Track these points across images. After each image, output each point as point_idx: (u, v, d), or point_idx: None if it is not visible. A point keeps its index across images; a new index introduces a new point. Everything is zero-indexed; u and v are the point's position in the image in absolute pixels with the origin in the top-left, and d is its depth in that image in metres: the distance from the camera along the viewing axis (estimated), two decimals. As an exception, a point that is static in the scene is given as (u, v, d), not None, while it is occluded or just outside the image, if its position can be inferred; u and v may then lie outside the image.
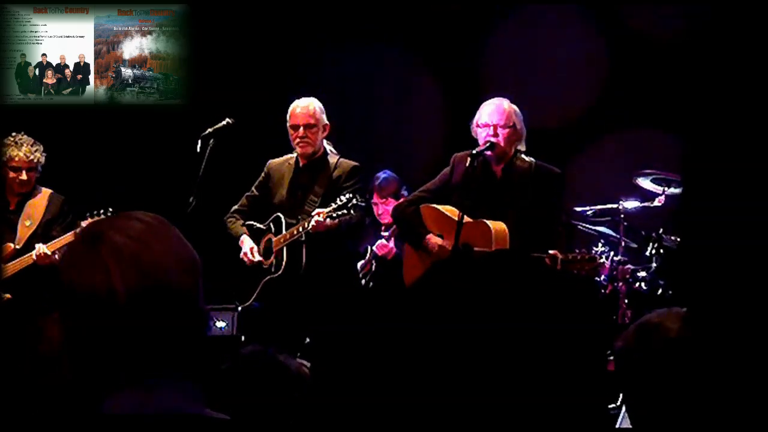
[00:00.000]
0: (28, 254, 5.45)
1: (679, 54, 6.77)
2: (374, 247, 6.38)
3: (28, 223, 5.57)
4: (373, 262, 6.44)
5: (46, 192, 5.68)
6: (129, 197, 5.47)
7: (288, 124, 5.57)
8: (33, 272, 5.44)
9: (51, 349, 1.95)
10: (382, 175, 6.48)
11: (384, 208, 6.47)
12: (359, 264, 6.44)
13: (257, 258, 5.53)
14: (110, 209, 5.38)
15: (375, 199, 6.44)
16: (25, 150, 5.52)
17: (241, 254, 5.57)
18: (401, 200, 5.92)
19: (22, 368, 1.94)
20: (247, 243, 5.58)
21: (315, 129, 5.52)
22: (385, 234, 6.45)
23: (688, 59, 6.72)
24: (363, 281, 6.41)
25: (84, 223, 5.39)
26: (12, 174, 5.52)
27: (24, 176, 5.54)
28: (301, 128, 5.50)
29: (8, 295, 5.43)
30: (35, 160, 5.57)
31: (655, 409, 2.04)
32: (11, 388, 1.95)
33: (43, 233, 5.58)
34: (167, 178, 6.53)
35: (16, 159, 5.51)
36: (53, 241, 5.44)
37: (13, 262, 5.46)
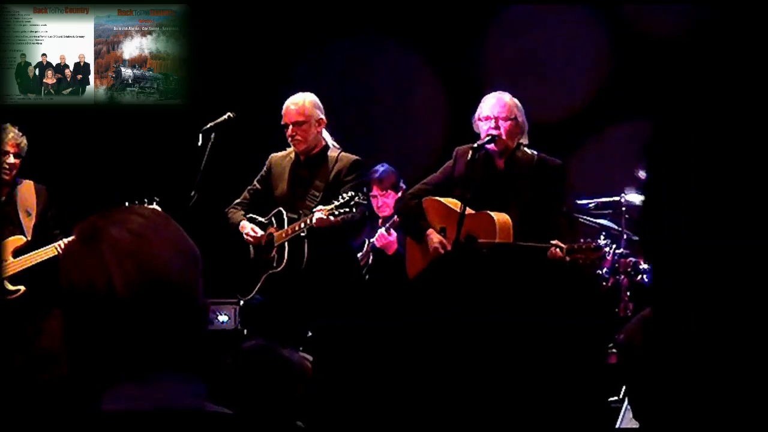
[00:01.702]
0: (50, 246, 5.42)
1: (682, 47, 6.76)
2: (373, 240, 6.36)
3: (27, 215, 5.56)
4: (371, 255, 6.43)
5: (29, 183, 5.66)
6: (129, 196, 5.45)
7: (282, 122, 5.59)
8: (49, 265, 5.41)
9: (52, 343, 1.95)
10: (380, 168, 6.47)
11: (383, 201, 6.46)
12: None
13: (260, 233, 5.54)
14: (156, 198, 5.36)
15: (375, 191, 6.43)
16: (12, 135, 5.50)
17: (245, 237, 5.57)
18: (404, 193, 5.91)
19: (22, 362, 1.94)
20: (247, 226, 5.60)
21: (305, 126, 5.51)
22: (386, 225, 6.42)
23: (690, 53, 6.71)
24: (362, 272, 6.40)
25: None
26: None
27: (12, 159, 5.51)
28: (290, 126, 5.51)
29: (23, 288, 5.42)
30: (22, 145, 5.54)
31: (658, 401, 2.04)
32: (11, 382, 1.95)
33: (42, 223, 5.56)
34: (167, 176, 6.53)
35: (4, 144, 5.48)
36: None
37: (31, 254, 5.43)
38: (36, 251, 5.43)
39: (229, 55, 7.29)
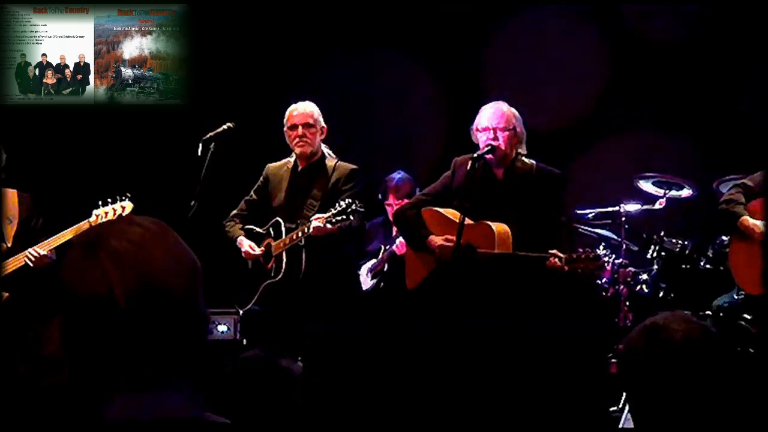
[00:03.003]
0: (20, 254, 5.42)
1: (681, 56, 6.77)
2: (393, 247, 6.32)
3: (9, 223, 5.54)
4: (386, 264, 6.40)
5: (11, 191, 5.62)
6: (129, 199, 5.44)
7: (286, 126, 5.58)
8: (29, 271, 5.41)
9: (55, 351, 1.94)
10: (396, 176, 6.45)
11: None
12: (371, 263, 6.42)
13: (257, 251, 5.53)
14: (128, 194, 5.35)
15: (390, 200, 6.41)
16: None
17: (243, 254, 5.57)
18: (402, 204, 5.90)
19: (25, 370, 1.94)
20: (245, 242, 5.59)
21: (313, 129, 5.54)
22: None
23: (689, 62, 6.73)
24: (374, 281, 6.38)
25: (96, 213, 5.35)
26: None
27: None
28: (300, 127, 5.52)
29: (6, 294, 5.42)
30: None
31: (659, 410, 2.04)
32: (14, 389, 1.95)
33: (24, 231, 5.54)
34: (168, 179, 6.53)
35: None
36: (46, 241, 5.40)
37: (7, 261, 5.43)
38: (9, 259, 5.42)
39: (229, 56, 7.29)
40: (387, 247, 6.37)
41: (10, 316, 5.29)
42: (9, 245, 5.48)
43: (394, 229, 6.48)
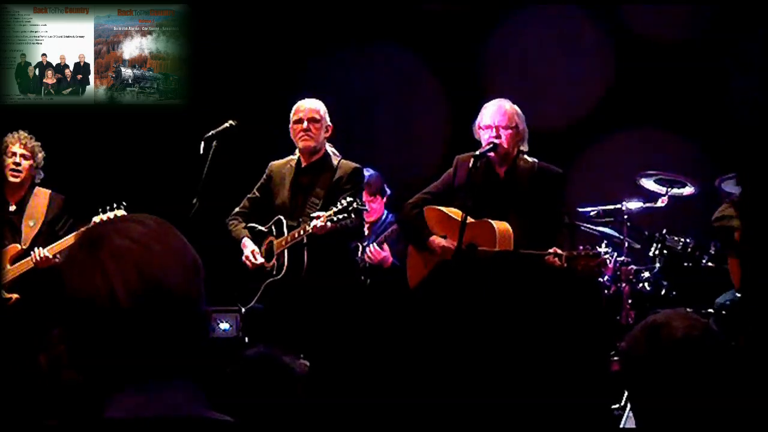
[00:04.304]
0: (29, 258, 5.44)
1: (682, 55, 6.76)
2: (365, 255, 6.33)
3: (31, 224, 5.56)
4: (364, 277, 6.41)
5: (45, 192, 5.67)
6: (130, 199, 5.44)
7: (291, 121, 5.58)
8: (40, 273, 5.42)
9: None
10: (365, 173, 6.47)
11: (371, 206, 6.46)
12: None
13: (259, 260, 5.53)
14: (123, 203, 5.36)
15: (363, 197, 6.42)
16: (19, 136, 5.52)
17: (243, 258, 5.56)
18: (405, 202, 5.90)
19: (45, 363, 1.94)
20: (248, 246, 5.58)
21: (318, 125, 5.54)
22: (378, 239, 6.39)
23: (691, 60, 6.72)
24: (362, 277, 6.39)
25: (95, 220, 5.36)
26: (7, 161, 5.48)
27: (18, 159, 5.51)
28: (306, 121, 5.52)
29: (16, 296, 5.44)
30: (30, 146, 5.54)
31: (661, 408, 2.04)
32: (25, 389, 1.95)
33: (48, 232, 5.57)
34: (168, 179, 6.52)
35: (12, 144, 5.49)
36: (54, 244, 5.42)
37: (19, 263, 5.46)
38: (20, 261, 5.45)
39: (229, 56, 7.29)
40: (364, 245, 6.38)
41: (21, 316, 5.32)
42: (25, 247, 5.50)
43: (365, 227, 6.49)
